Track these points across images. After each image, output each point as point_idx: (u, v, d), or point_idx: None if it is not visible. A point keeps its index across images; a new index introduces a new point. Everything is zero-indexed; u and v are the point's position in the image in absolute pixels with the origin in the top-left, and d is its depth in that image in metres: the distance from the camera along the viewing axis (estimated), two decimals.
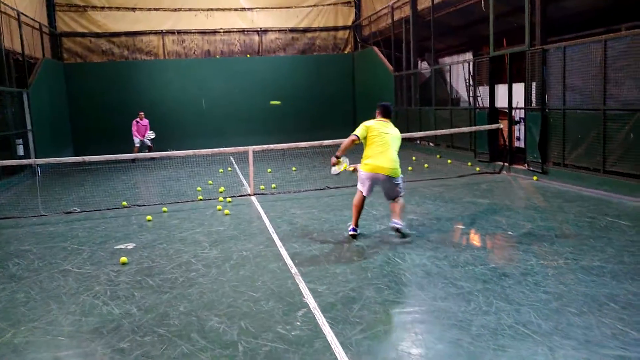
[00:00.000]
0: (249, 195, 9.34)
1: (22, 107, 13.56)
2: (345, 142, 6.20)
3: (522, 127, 10.95)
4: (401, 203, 6.14)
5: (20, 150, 12.99)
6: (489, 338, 3.47)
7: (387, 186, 6.08)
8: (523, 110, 10.40)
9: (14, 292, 4.85)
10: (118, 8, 18.57)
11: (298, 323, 3.85)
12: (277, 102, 13.74)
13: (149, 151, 15.60)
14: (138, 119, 16.05)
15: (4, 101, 12.36)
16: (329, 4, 20.21)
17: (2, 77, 12.68)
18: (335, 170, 6.41)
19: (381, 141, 6.01)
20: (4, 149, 12.01)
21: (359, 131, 6.08)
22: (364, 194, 6.08)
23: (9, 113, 12.64)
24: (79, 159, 9.29)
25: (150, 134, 16.07)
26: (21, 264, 5.78)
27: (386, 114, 6.23)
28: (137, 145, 15.92)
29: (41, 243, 6.68)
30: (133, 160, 15.40)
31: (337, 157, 6.27)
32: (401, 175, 6.14)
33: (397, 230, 6.06)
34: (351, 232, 6.13)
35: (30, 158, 13.20)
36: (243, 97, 19.21)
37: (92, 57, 18.68)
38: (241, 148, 10.03)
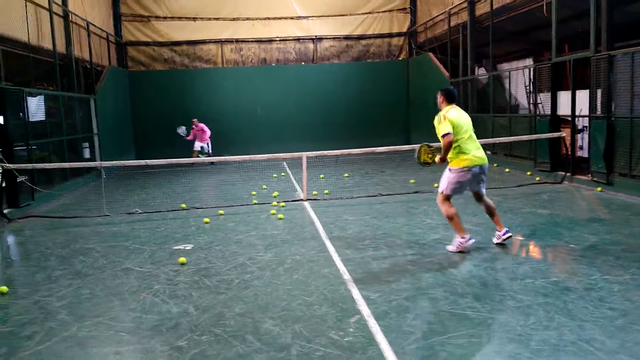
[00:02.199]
0: (302, 200, 9.42)
1: (89, 112, 14.28)
2: (445, 145, 5.49)
3: (586, 136, 10.51)
4: (492, 204, 5.83)
5: (87, 153, 13.68)
6: (549, 354, 3.34)
7: (482, 178, 5.68)
8: (587, 119, 9.98)
9: (79, 288, 5.09)
10: (180, 18, 19.25)
11: (351, 330, 3.84)
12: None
13: (208, 156, 16.13)
14: (193, 126, 16.71)
15: (72, 106, 13.06)
16: (384, 11, 20.15)
17: (72, 84, 13.41)
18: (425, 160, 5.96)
19: (466, 130, 5.60)
20: (72, 151, 12.67)
21: (448, 127, 5.45)
22: (452, 193, 5.63)
23: (77, 118, 13.34)
24: (142, 162, 9.67)
25: (182, 130, 16.71)
26: (86, 261, 6.07)
27: (452, 99, 5.75)
28: (196, 149, 16.46)
29: (105, 242, 6.99)
30: (192, 164, 16.01)
31: (443, 160, 5.70)
32: None
33: (510, 236, 5.78)
34: (471, 241, 5.63)
35: (95, 161, 13.87)
36: (297, 104, 19.44)
37: (155, 65, 19.43)
38: (295, 154, 10.14)
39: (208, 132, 16.75)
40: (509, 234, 5.82)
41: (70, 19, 13.49)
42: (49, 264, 6.04)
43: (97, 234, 7.54)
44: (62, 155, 11.84)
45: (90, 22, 15.03)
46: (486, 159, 5.72)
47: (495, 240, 5.91)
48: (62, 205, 10.09)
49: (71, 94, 13.07)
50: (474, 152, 5.59)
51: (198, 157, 15.87)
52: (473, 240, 5.72)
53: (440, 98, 5.82)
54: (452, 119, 5.54)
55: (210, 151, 16.71)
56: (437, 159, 5.79)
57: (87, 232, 7.70)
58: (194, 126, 16.70)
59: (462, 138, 5.56)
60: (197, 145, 16.50)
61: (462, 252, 5.63)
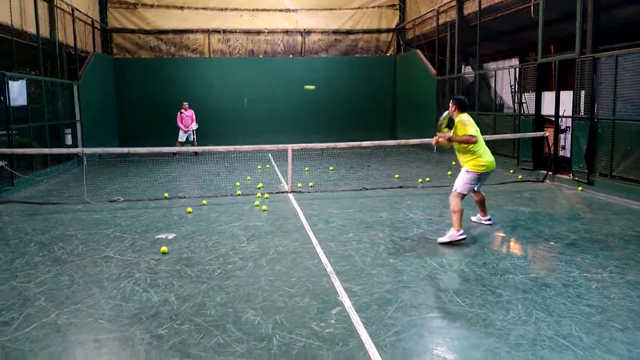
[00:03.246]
0: (287, 192, 9.40)
1: (71, 99, 14.07)
2: (465, 140, 6.04)
3: (568, 136, 10.64)
4: (483, 196, 6.62)
5: (69, 140, 13.49)
6: (527, 348, 3.39)
7: (485, 180, 6.39)
8: (570, 119, 10.11)
9: (58, 275, 5.03)
10: (167, 6, 19.01)
11: (332, 321, 3.85)
12: (312, 87, 13.65)
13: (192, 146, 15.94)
14: (182, 110, 16.37)
15: (55, 92, 12.84)
16: (373, 7, 20.15)
17: (55, 69, 13.19)
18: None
19: (480, 136, 6.18)
20: (54, 137, 12.47)
21: (474, 129, 6.06)
22: (466, 192, 6.12)
23: (59, 103, 13.13)
24: (125, 150, 9.57)
25: (194, 125, 16.40)
26: (66, 248, 5.99)
27: (464, 108, 6.22)
28: (181, 140, 16.25)
29: (85, 229, 6.90)
30: (174, 154, 15.80)
31: (449, 140, 6.25)
32: None
33: (492, 222, 6.67)
34: (462, 237, 5.84)
35: (77, 147, 13.67)
36: (284, 97, 19.38)
37: (141, 53, 19.18)
38: (280, 146, 10.12)
39: (194, 121, 16.52)
40: (490, 222, 6.70)
41: (55, 3, 13.24)
42: (27, 250, 5.95)
43: (77, 221, 7.45)
44: (43, 141, 11.65)
45: (75, 8, 14.77)
46: (494, 163, 6.28)
47: (473, 219, 6.87)
48: (42, 192, 9.94)
49: (54, 79, 12.85)
50: (488, 157, 6.18)
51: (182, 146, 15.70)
52: (465, 237, 5.89)
53: (452, 107, 6.27)
54: (472, 123, 6.16)
55: (195, 141, 16.54)
56: (446, 132, 6.31)
57: (68, 218, 7.60)
58: (182, 110, 16.42)
59: (480, 143, 6.16)
60: (182, 136, 16.28)
61: (451, 243, 5.82)
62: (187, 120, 16.35)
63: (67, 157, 13.16)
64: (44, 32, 12.70)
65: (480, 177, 6.19)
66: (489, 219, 6.73)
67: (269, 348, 3.46)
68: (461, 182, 6.13)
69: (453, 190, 6.17)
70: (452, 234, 5.87)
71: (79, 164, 13.77)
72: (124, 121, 18.67)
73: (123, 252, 5.79)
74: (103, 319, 3.98)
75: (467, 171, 6.13)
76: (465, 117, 6.17)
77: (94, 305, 4.25)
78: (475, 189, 6.38)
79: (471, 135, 5.99)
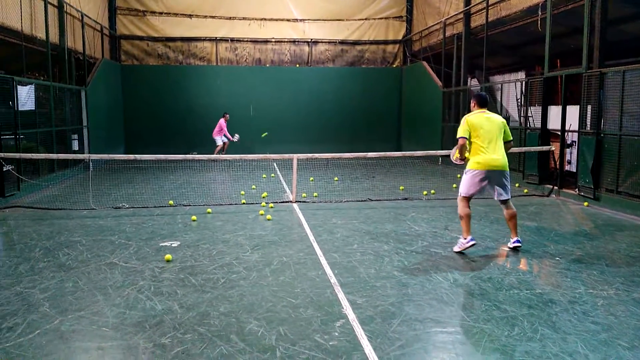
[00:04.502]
0: (291, 202, 9.40)
1: (79, 104, 14.16)
2: (458, 148, 5.96)
3: (574, 151, 10.62)
4: (514, 211, 6.12)
5: (75, 145, 13.55)
6: None
7: (498, 182, 5.96)
8: (576, 134, 10.10)
9: (62, 281, 5.03)
10: (176, 14, 19.17)
11: (336, 333, 3.84)
12: (265, 134, 14.22)
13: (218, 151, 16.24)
14: (224, 120, 16.76)
15: (63, 97, 12.93)
16: (380, 18, 20.25)
17: (63, 75, 13.29)
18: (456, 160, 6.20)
19: (487, 133, 5.88)
20: (60, 143, 12.54)
21: (463, 131, 5.89)
22: (468, 194, 5.95)
23: (67, 109, 13.21)
24: (131, 156, 9.59)
25: (235, 137, 16.72)
26: (70, 254, 6.00)
27: (482, 104, 6.09)
28: (220, 144, 16.47)
29: (90, 235, 6.92)
30: (214, 160, 16.11)
31: (463, 160, 6.05)
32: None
33: (520, 245, 6.11)
34: (471, 243, 5.86)
35: (84, 153, 13.74)
36: (290, 106, 19.46)
37: (149, 60, 19.32)
38: (286, 155, 10.14)
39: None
40: (515, 245, 6.12)
41: (65, 9, 13.37)
42: (32, 255, 5.96)
43: (82, 227, 7.46)
44: (50, 146, 11.71)
45: (85, 14, 14.91)
46: (504, 163, 5.93)
47: (505, 246, 6.31)
48: (48, 197, 9.98)
49: (62, 84, 12.94)
50: (487, 155, 5.85)
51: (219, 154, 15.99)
52: (473, 243, 5.90)
53: (472, 102, 6.19)
54: (470, 121, 5.94)
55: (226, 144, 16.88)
56: (457, 155, 6.11)
57: (73, 224, 7.62)
58: (224, 120, 16.73)
59: (477, 139, 5.89)
60: (220, 141, 16.49)
61: (462, 252, 5.93)
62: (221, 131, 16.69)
63: (74, 163, 13.22)
64: (54, 37, 12.81)
65: (481, 178, 5.86)
66: (515, 242, 6.12)
67: None
68: (461, 183, 6.06)
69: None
70: (461, 242, 5.96)
71: (85, 170, 13.83)
72: (131, 128, 18.76)
73: (127, 259, 5.79)
74: (106, 327, 3.97)
75: (465, 171, 6.02)
76: (465, 117, 6.01)
77: (98, 313, 4.24)
78: (495, 197, 6.09)
79: (458, 138, 5.94)
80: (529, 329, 3.91)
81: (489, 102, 6.27)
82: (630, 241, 6.59)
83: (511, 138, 6.16)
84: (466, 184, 5.98)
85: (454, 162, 6.18)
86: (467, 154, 6.02)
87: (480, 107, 6.08)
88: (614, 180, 8.60)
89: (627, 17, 10.06)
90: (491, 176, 5.91)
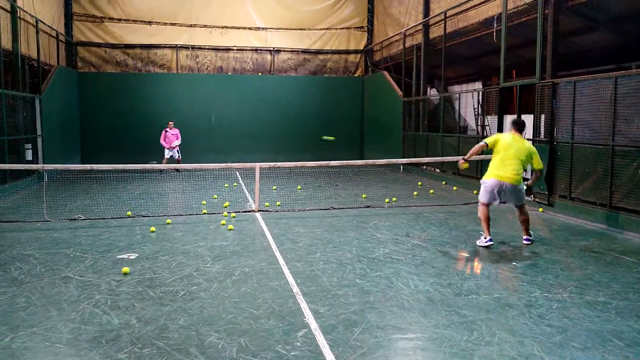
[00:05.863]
0: (254, 211, 9.34)
1: (33, 113, 13.70)
2: (476, 147, 6.89)
3: None
4: (527, 215, 6.89)
5: (29, 155, 13.09)
6: None
7: (511, 192, 6.72)
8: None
9: (14, 297, 4.83)
10: (135, 21, 18.85)
11: (298, 343, 3.82)
12: (331, 138, 14.23)
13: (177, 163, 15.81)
14: (167, 128, 16.39)
15: (16, 106, 12.49)
16: (342, 28, 20.47)
17: (16, 82, 12.85)
18: (461, 166, 7.37)
19: (507, 153, 6.66)
20: (13, 152, 12.10)
21: (490, 139, 6.84)
22: (485, 201, 6.77)
23: (20, 118, 12.77)
24: (87, 166, 9.34)
25: (176, 142, 16.31)
26: (23, 268, 5.78)
27: (518, 129, 6.87)
28: (167, 157, 16.10)
29: (44, 248, 6.68)
30: (161, 171, 15.69)
31: (465, 160, 7.16)
32: (523, 183, 6.82)
33: (529, 242, 6.89)
34: (488, 243, 6.67)
35: (38, 163, 13.29)
36: (252, 115, 19.38)
37: (106, 68, 18.90)
38: (248, 164, 10.07)
39: (179, 139, 16.41)
40: (526, 242, 6.90)
41: (18, 14, 12.95)
42: None
43: (36, 239, 7.20)
44: (1, 156, 11.28)
45: (40, 19, 14.49)
46: (516, 179, 6.65)
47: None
48: None
49: (15, 92, 12.50)
50: (500, 171, 6.68)
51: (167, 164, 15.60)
52: (490, 243, 6.69)
53: (512, 127, 6.96)
54: (501, 136, 6.87)
55: (180, 158, 16.38)
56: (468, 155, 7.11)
57: (25, 237, 7.34)
58: (167, 128, 16.34)
59: (497, 155, 6.76)
60: (167, 153, 16.13)
61: (487, 247, 6.65)
62: (172, 139, 16.22)
63: (27, 173, 12.77)
64: (6, 43, 12.39)
65: (494, 187, 6.66)
66: (526, 239, 6.91)
67: None
68: (480, 190, 6.91)
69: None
70: (480, 240, 6.81)
71: (39, 181, 13.37)
72: (87, 137, 18.28)
73: (83, 272, 5.62)
74: (60, 343, 3.83)
75: (481, 182, 6.90)
76: (499, 134, 7.02)
77: (52, 329, 4.09)
78: (501, 200, 6.85)
79: (484, 141, 6.90)
80: (487, 333, 3.99)
81: (525, 126, 7.00)
82: (582, 245, 6.83)
83: (539, 167, 6.85)
84: (482, 192, 6.85)
85: (460, 164, 7.29)
86: (466, 164, 7.22)
87: (516, 131, 6.85)
88: (566, 186, 8.91)
89: (578, 30, 10.49)
90: (503, 187, 6.67)
